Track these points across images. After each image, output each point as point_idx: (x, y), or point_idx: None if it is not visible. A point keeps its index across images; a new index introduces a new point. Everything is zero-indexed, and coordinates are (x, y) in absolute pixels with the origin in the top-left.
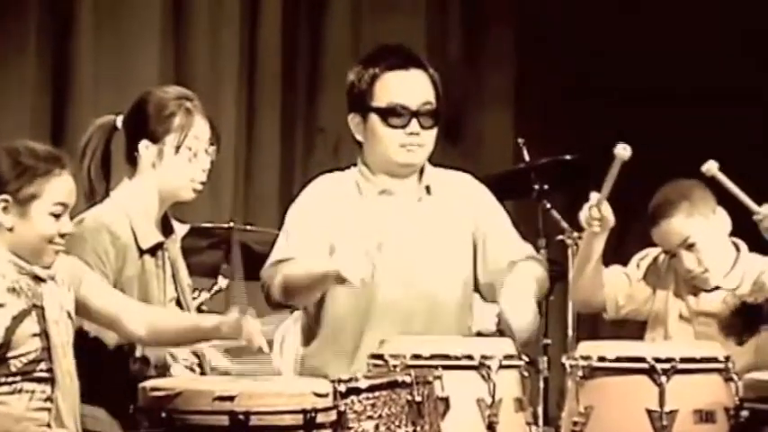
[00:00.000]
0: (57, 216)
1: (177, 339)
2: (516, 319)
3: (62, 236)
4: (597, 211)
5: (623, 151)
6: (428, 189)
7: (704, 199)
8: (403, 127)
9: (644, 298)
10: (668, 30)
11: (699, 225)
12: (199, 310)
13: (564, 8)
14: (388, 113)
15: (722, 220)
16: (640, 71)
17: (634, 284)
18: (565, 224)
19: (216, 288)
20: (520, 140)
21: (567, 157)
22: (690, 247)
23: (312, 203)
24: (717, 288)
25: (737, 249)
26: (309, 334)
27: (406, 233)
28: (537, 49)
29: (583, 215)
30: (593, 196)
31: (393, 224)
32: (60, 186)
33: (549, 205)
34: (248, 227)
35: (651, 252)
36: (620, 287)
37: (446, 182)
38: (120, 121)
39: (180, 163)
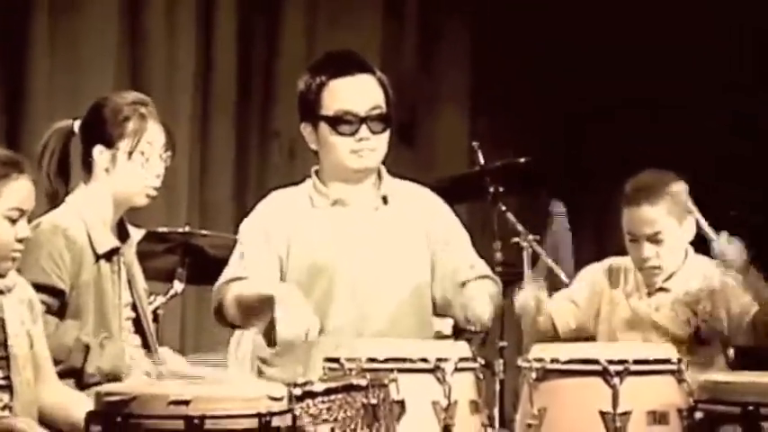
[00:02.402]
0: (13, 221)
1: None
2: (476, 306)
3: (20, 241)
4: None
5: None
6: (385, 199)
7: (685, 202)
8: (352, 134)
9: (592, 315)
10: (626, 31)
11: (672, 224)
12: (154, 314)
13: (520, 11)
14: (336, 121)
15: (690, 228)
16: (598, 74)
17: (582, 306)
18: (520, 227)
19: (171, 293)
20: (474, 144)
21: (522, 160)
22: (656, 240)
23: (264, 220)
24: (661, 290)
25: (686, 254)
26: (267, 341)
27: (361, 244)
28: (492, 52)
29: (517, 300)
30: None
31: (347, 235)
32: (17, 191)
33: (503, 208)
34: (203, 231)
35: (594, 267)
36: (569, 313)
37: (404, 193)
38: (77, 125)
39: (133, 168)
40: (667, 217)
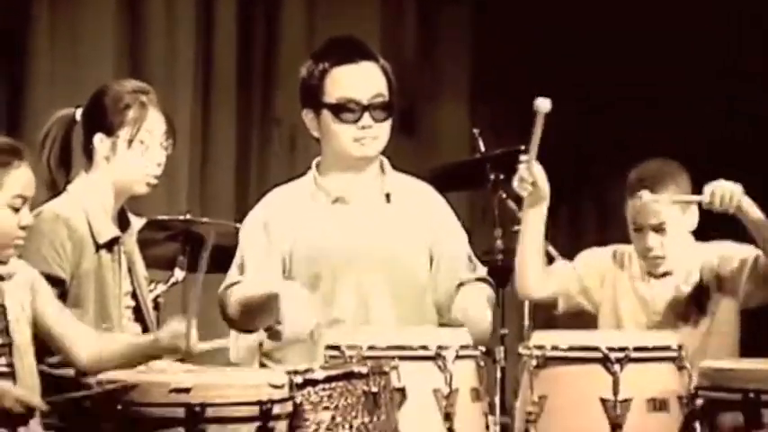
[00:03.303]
0: (16, 209)
1: (119, 362)
2: (476, 314)
3: (23, 228)
4: (528, 173)
5: (543, 104)
6: (388, 197)
7: (687, 189)
8: (355, 122)
9: (594, 291)
10: (625, 18)
11: (675, 213)
12: (155, 302)
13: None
14: (339, 109)
15: (694, 216)
16: (599, 64)
17: (585, 278)
18: (521, 214)
19: (172, 280)
20: (475, 131)
21: (522, 147)
22: (660, 230)
23: (263, 219)
24: (665, 274)
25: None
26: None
27: (364, 241)
28: (492, 39)
29: (515, 179)
30: (524, 157)
31: (350, 232)
32: (19, 178)
33: (504, 195)
34: (204, 219)
35: (597, 250)
36: (571, 281)
37: (407, 190)
38: (79, 114)
39: (133, 156)
40: (670, 205)
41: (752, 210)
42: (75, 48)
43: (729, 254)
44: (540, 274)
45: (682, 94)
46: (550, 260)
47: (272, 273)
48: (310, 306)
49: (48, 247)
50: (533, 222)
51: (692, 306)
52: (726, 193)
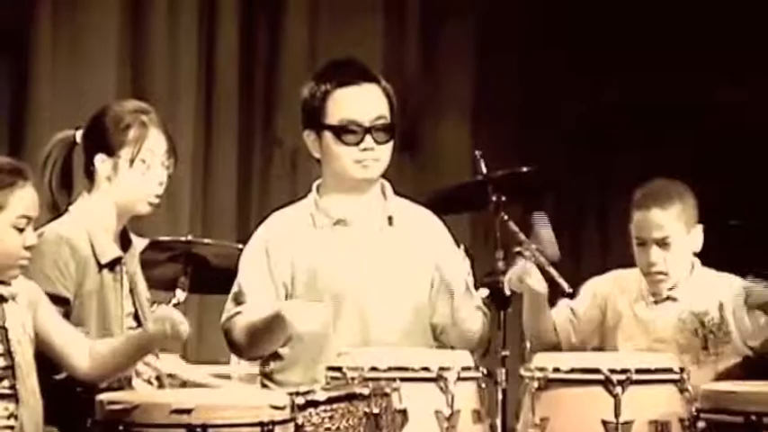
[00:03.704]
0: (20, 230)
1: (118, 360)
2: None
3: (27, 249)
4: (517, 277)
5: (540, 220)
6: (390, 220)
7: (693, 210)
8: (357, 144)
9: (595, 326)
10: (631, 35)
11: (680, 230)
12: None
13: (523, 17)
14: (341, 131)
15: (698, 237)
16: (600, 82)
17: (582, 319)
18: (522, 236)
19: (174, 301)
20: (477, 153)
21: (525, 169)
22: (664, 245)
23: (263, 246)
24: (667, 299)
25: (692, 266)
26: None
27: (367, 264)
28: (496, 59)
29: (508, 276)
30: (520, 266)
31: (352, 256)
32: (24, 198)
33: (506, 217)
34: (206, 240)
35: (596, 279)
36: (569, 325)
37: (409, 215)
38: (79, 135)
39: (134, 176)
40: (676, 222)
41: None
42: (76, 68)
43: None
44: (548, 333)
45: (691, 114)
46: (555, 287)
47: (272, 298)
48: (316, 307)
49: (51, 268)
50: (535, 308)
51: (695, 339)
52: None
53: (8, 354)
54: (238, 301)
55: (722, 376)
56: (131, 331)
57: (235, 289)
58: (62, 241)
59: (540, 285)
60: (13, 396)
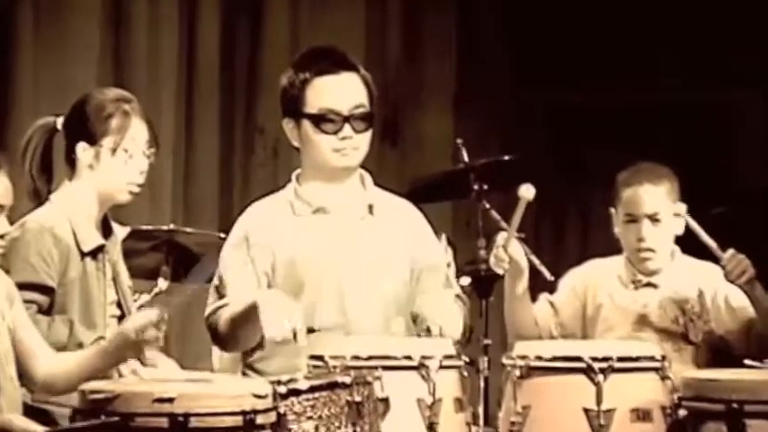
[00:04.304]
0: None
1: (83, 371)
2: (450, 323)
3: (0, 237)
4: (504, 253)
5: (527, 192)
6: (371, 208)
7: (677, 193)
8: (335, 132)
9: (576, 318)
10: (614, 26)
11: (669, 209)
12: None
13: (506, 5)
14: (319, 119)
15: (682, 222)
16: (582, 71)
17: (563, 312)
18: (504, 224)
19: (156, 290)
20: (458, 141)
21: (506, 157)
22: (655, 221)
23: (243, 236)
24: (648, 285)
25: (672, 253)
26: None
27: (347, 253)
28: (478, 45)
29: (492, 256)
30: (501, 237)
31: (332, 244)
32: None
33: (488, 205)
34: (188, 229)
35: (574, 271)
36: (549, 320)
37: (389, 206)
38: (60, 122)
39: (116, 165)
40: (666, 199)
41: (759, 286)
42: (58, 58)
43: (739, 304)
44: (529, 326)
45: (673, 105)
46: (537, 275)
47: (253, 288)
48: (291, 310)
49: (35, 257)
50: (518, 288)
51: (676, 327)
52: (744, 263)
53: None
54: (220, 293)
55: (700, 364)
56: (96, 346)
57: (215, 282)
58: (44, 230)
59: (522, 258)
60: None
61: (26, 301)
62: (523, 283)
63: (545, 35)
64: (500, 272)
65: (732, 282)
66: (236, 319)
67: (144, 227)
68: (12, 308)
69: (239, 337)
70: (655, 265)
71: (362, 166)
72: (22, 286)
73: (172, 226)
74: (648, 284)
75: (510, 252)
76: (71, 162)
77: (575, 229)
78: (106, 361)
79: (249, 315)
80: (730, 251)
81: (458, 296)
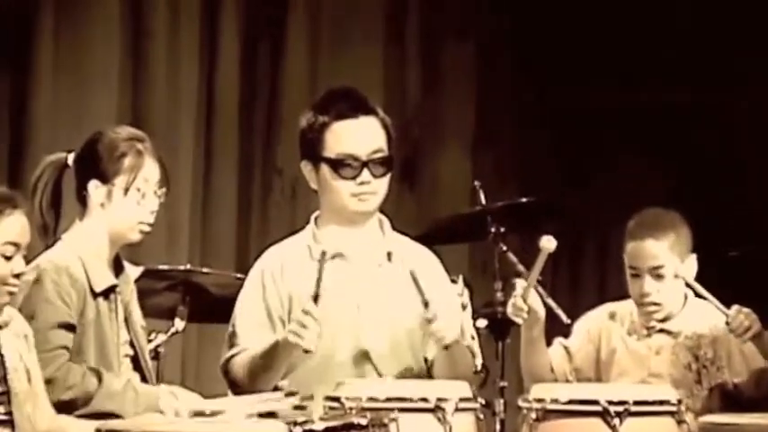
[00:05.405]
0: (8, 258)
1: None
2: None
3: (16, 276)
4: (522, 302)
5: (548, 243)
6: (389, 255)
7: (687, 239)
8: (354, 177)
9: (590, 362)
10: (631, 66)
11: (674, 261)
12: (155, 352)
13: (524, 46)
14: (338, 164)
15: (692, 266)
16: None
17: (577, 357)
18: (521, 267)
19: (172, 330)
20: (476, 183)
21: (524, 200)
22: (657, 275)
23: (259, 281)
24: (661, 331)
25: (685, 297)
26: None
27: (365, 300)
28: (497, 89)
29: (509, 306)
30: (519, 285)
31: (350, 291)
32: (12, 226)
33: (504, 248)
34: (204, 269)
35: (589, 314)
36: (565, 365)
37: (408, 252)
38: (71, 158)
39: (129, 204)
40: (670, 252)
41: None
42: (77, 89)
43: (752, 350)
44: (544, 372)
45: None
46: (553, 318)
47: (268, 336)
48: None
49: (55, 297)
50: (535, 335)
51: (689, 374)
52: (750, 318)
53: (4, 380)
54: (232, 342)
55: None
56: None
57: (230, 329)
58: (61, 271)
59: (540, 308)
60: (9, 423)
61: (58, 348)
62: (540, 329)
63: (565, 71)
64: (518, 321)
65: (738, 337)
66: (255, 361)
67: (161, 266)
68: (29, 351)
69: (257, 379)
70: (661, 316)
71: (381, 207)
72: (49, 327)
73: (188, 266)
74: (662, 330)
75: (529, 302)
76: (82, 199)
77: (592, 271)
78: None
79: (271, 353)
80: (735, 307)
81: (469, 347)
